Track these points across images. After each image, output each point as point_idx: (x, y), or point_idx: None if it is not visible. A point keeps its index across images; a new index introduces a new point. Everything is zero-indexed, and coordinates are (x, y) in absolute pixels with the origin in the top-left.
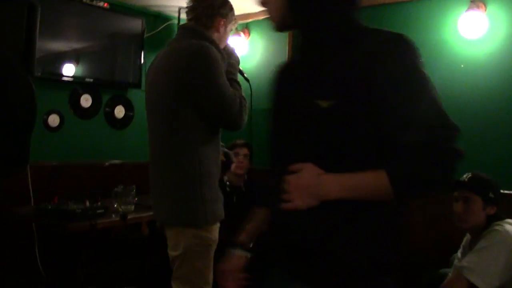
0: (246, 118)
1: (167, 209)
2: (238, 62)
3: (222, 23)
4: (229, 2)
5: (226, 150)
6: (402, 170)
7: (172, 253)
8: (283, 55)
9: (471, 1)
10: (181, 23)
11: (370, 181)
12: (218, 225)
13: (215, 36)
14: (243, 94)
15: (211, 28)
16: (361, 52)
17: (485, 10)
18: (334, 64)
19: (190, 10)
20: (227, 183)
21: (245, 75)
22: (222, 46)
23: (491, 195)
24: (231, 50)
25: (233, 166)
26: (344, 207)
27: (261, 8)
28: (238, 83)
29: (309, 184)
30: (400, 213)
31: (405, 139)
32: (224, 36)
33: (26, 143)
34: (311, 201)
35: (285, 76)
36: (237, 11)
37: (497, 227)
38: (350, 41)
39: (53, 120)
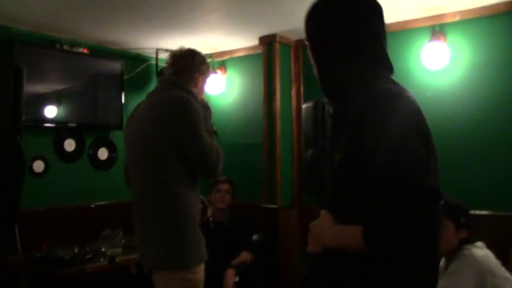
0: (221, 167)
1: (154, 254)
2: (211, 114)
3: (201, 78)
4: (206, 60)
5: (200, 196)
6: (372, 233)
7: None
8: (259, 91)
9: (432, 34)
10: (159, 63)
11: (354, 236)
12: (203, 266)
13: (194, 90)
14: (218, 145)
15: (190, 83)
16: (358, 108)
17: (445, 40)
18: (346, 118)
19: (171, 64)
20: (211, 219)
21: (214, 128)
22: (199, 98)
23: (462, 219)
24: (206, 103)
25: (216, 200)
26: (338, 257)
27: (237, 46)
28: (213, 135)
29: (317, 231)
30: (405, 275)
31: (379, 198)
32: (201, 90)
33: (16, 199)
34: (317, 248)
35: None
36: (214, 49)
37: (465, 252)
38: (358, 97)
39: (38, 166)
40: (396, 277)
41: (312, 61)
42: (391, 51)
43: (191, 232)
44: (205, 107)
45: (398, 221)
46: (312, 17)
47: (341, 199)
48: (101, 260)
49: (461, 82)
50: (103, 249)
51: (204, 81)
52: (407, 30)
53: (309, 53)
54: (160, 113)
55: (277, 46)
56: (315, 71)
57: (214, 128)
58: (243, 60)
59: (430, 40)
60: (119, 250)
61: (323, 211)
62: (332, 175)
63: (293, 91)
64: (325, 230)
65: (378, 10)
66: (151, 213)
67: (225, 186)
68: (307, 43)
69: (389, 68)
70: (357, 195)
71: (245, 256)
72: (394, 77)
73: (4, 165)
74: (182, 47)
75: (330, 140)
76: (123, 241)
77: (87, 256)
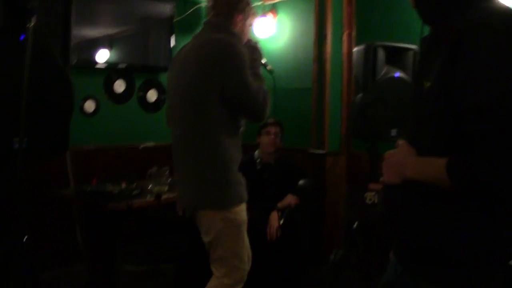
0: (268, 111)
1: (193, 194)
2: (261, 56)
3: (241, 17)
4: (249, 0)
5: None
6: (458, 165)
7: (205, 238)
8: (310, 35)
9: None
10: None
11: (438, 168)
12: (244, 206)
13: (237, 31)
14: (266, 88)
15: (233, 25)
16: (456, 31)
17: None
18: (442, 42)
19: (211, 7)
20: (258, 160)
21: (268, 67)
22: (244, 40)
23: None
24: (254, 44)
25: (265, 143)
26: (419, 189)
27: None
28: (260, 77)
29: (396, 162)
30: (492, 211)
31: (470, 128)
32: (244, 31)
33: (66, 130)
34: (395, 179)
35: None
36: None
37: None
38: (457, 18)
39: (89, 106)
40: (477, 217)
41: None
42: None
43: (229, 173)
44: (253, 48)
45: (488, 155)
46: None
47: (426, 129)
48: (148, 196)
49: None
50: (150, 186)
51: (247, 22)
52: None
53: None
54: (204, 56)
55: None
56: None
57: (268, 68)
58: (294, 2)
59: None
60: (165, 188)
61: (401, 142)
62: (417, 103)
63: (345, 35)
64: (407, 161)
65: None
66: (191, 154)
67: (275, 129)
68: None
69: None
70: (446, 125)
71: (290, 199)
72: None
73: (53, 97)
74: None
75: (420, 65)
76: (169, 180)
77: (134, 192)
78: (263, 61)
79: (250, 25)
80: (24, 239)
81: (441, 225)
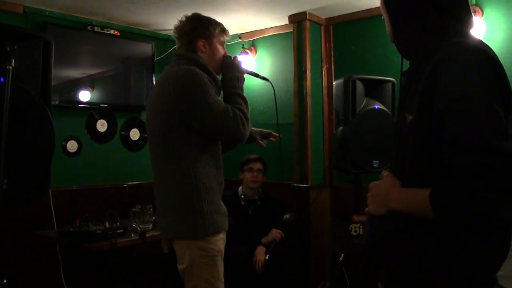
0: (245, 129)
1: (169, 225)
2: (240, 71)
3: (203, 43)
4: (203, 22)
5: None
6: (440, 196)
7: (179, 266)
8: (290, 70)
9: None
10: None
11: (421, 199)
12: (221, 236)
13: (203, 57)
14: (244, 107)
15: (196, 52)
16: (430, 64)
17: (482, 14)
18: (419, 76)
19: (177, 38)
20: (242, 196)
21: (261, 75)
22: (214, 63)
23: None
24: (230, 61)
25: (249, 179)
26: (403, 219)
27: (266, 25)
28: (240, 96)
29: (380, 193)
30: (468, 238)
31: (450, 161)
32: (214, 53)
33: (46, 171)
34: (380, 210)
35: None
36: (243, 29)
37: None
38: (431, 52)
39: (72, 145)
40: (460, 244)
41: (386, 18)
42: None
43: (203, 203)
44: (229, 66)
45: (468, 186)
46: None
47: (410, 160)
48: (132, 235)
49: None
50: (133, 225)
51: (214, 43)
52: None
53: (382, 9)
54: (162, 89)
55: (307, 24)
56: (388, 28)
57: (261, 76)
58: (273, 39)
59: None
60: (150, 226)
61: (386, 173)
62: (400, 136)
63: (324, 69)
64: (392, 192)
65: None
66: (163, 186)
67: (257, 165)
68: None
69: (469, 22)
70: (427, 157)
71: (275, 233)
72: None
73: (34, 138)
74: (182, 17)
75: (401, 98)
76: (153, 218)
77: (118, 231)
78: (250, 71)
79: (222, 42)
80: (3, 282)
81: (426, 254)
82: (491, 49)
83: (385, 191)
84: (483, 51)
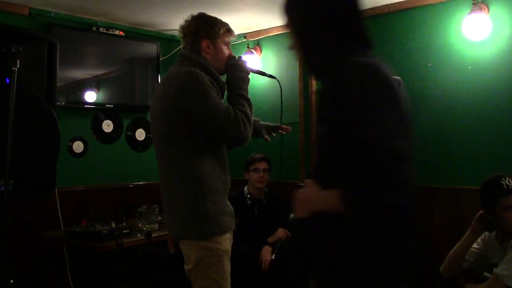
0: (247, 131)
1: (175, 225)
2: (245, 71)
3: (207, 44)
4: (208, 22)
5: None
6: (345, 194)
7: (186, 266)
8: (295, 70)
9: (473, 4)
10: None
11: (335, 199)
12: (227, 236)
13: (207, 58)
14: (246, 108)
15: (200, 52)
16: (331, 82)
17: (488, 12)
18: (328, 97)
19: (182, 38)
20: (248, 196)
21: (267, 73)
22: (218, 64)
23: None
24: (234, 62)
25: (254, 179)
26: (325, 219)
27: (271, 25)
28: (243, 97)
29: (304, 198)
30: (383, 232)
31: (349, 162)
32: (218, 53)
33: (52, 172)
34: (304, 213)
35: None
36: (248, 28)
37: None
38: (333, 72)
39: (77, 146)
40: (371, 235)
41: (294, 44)
42: (431, 23)
43: (209, 203)
44: (233, 67)
45: (363, 181)
46: (289, 3)
47: (323, 167)
48: (138, 235)
49: (503, 53)
50: (139, 225)
51: (218, 43)
52: (447, 1)
53: (290, 36)
54: (164, 91)
55: None
56: (298, 54)
57: (267, 74)
58: (278, 38)
59: (471, 12)
60: (156, 226)
61: (307, 180)
62: (318, 147)
63: None
64: (313, 196)
65: None
66: (168, 187)
67: (263, 165)
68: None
69: (366, 43)
70: (335, 162)
71: (281, 232)
72: (434, 48)
73: (39, 139)
74: (188, 16)
75: (317, 115)
76: (159, 218)
77: (124, 231)
78: (256, 70)
79: (227, 43)
80: (10, 282)
81: (339, 247)
82: (383, 65)
83: (307, 196)
84: (374, 66)
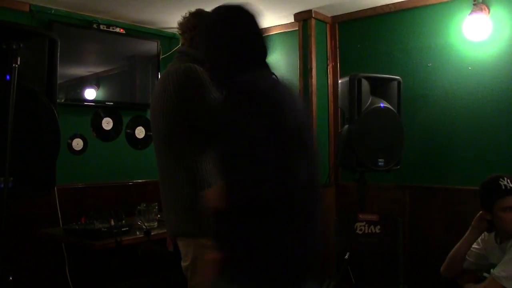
0: None
1: (173, 222)
2: None
3: None
4: (206, 18)
5: None
6: (222, 190)
7: (183, 263)
8: (295, 69)
9: (474, 4)
10: None
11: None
12: None
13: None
14: None
15: (196, 49)
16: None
17: (489, 12)
18: None
19: (181, 34)
20: None
21: None
22: None
23: None
24: None
25: None
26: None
27: (272, 24)
28: None
29: (208, 198)
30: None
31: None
32: None
33: (51, 169)
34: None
35: None
36: None
37: None
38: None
39: (77, 143)
40: (261, 230)
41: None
42: (431, 23)
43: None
44: None
45: (231, 181)
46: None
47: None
48: (137, 233)
49: (504, 53)
50: (139, 223)
51: None
52: (448, 1)
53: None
54: (163, 88)
55: (313, 22)
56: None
57: None
58: (278, 37)
59: (471, 12)
60: (155, 224)
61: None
62: None
63: (329, 68)
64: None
65: (245, 19)
66: (167, 183)
67: None
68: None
69: (258, 63)
70: (219, 166)
71: None
72: (435, 49)
73: (39, 136)
74: (186, 13)
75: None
76: (158, 216)
77: (124, 229)
78: None
79: None
80: (9, 279)
81: (239, 238)
82: (269, 82)
83: (211, 195)
84: (252, 85)
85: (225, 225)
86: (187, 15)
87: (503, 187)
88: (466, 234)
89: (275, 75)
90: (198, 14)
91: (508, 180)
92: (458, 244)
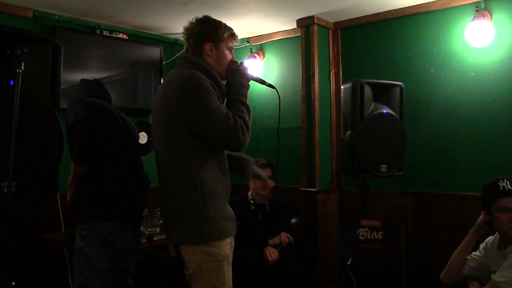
0: (245, 138)
1: (174, 230)
2: (246, 77)
3: (210, 46)
4: (213, 25)
5: (257, 172)
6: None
7: (186, 271)
8: (298, 74)
9: (476, 10)
10: None
11: None
12: (228, 241)
13: (209, 61)
14: (245, 115)
15: (202, 55)
16: None
17: (491, 18)
18: None
19: (185, 40)
20: (251, 201)
21: (267, 82)
22: (220, 68)
23: None
24: (236, 67)
25: (258, 186)
26: None
27: (274, 29)
28: (242, 103)
29: None
30: None
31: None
32: (220, 58)
33: (55, 174)
34: None
35: None
36: (251, 33)
37: None
38: None
39: None
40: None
41: None
42: (434, 29)
43: (209, 207)
44: (234, 72)
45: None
46: None
47: None
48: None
49: (506, 59)
50: (141, 228)
51: (221, 48)
52: (450, 8)
53: None
54: (165, 94)
55: (315, 28)
56: None
57: (267, 83)
58: (281, 43)
59: (474, 18)
60: (157, 229)
61: None
62: None
63: (332, 74)
64: None
65: None
66: (168, 191)
67: (267, 172)
68: None
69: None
70: None
71: (283, 237)
72: (437, 55)
73: (42, 141)
74: (192, 19)
75: None
76: (161, 221)
77: None
78: (256, 78)
79: (230, 47)
80: (12, 284)
81: None
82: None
83: None
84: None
85: None
86: (194, 20)
87: (501, 188)
88: (465, 238)
89: None
90: (205, 20)
91: (508, 182)
92: (457, 249)
